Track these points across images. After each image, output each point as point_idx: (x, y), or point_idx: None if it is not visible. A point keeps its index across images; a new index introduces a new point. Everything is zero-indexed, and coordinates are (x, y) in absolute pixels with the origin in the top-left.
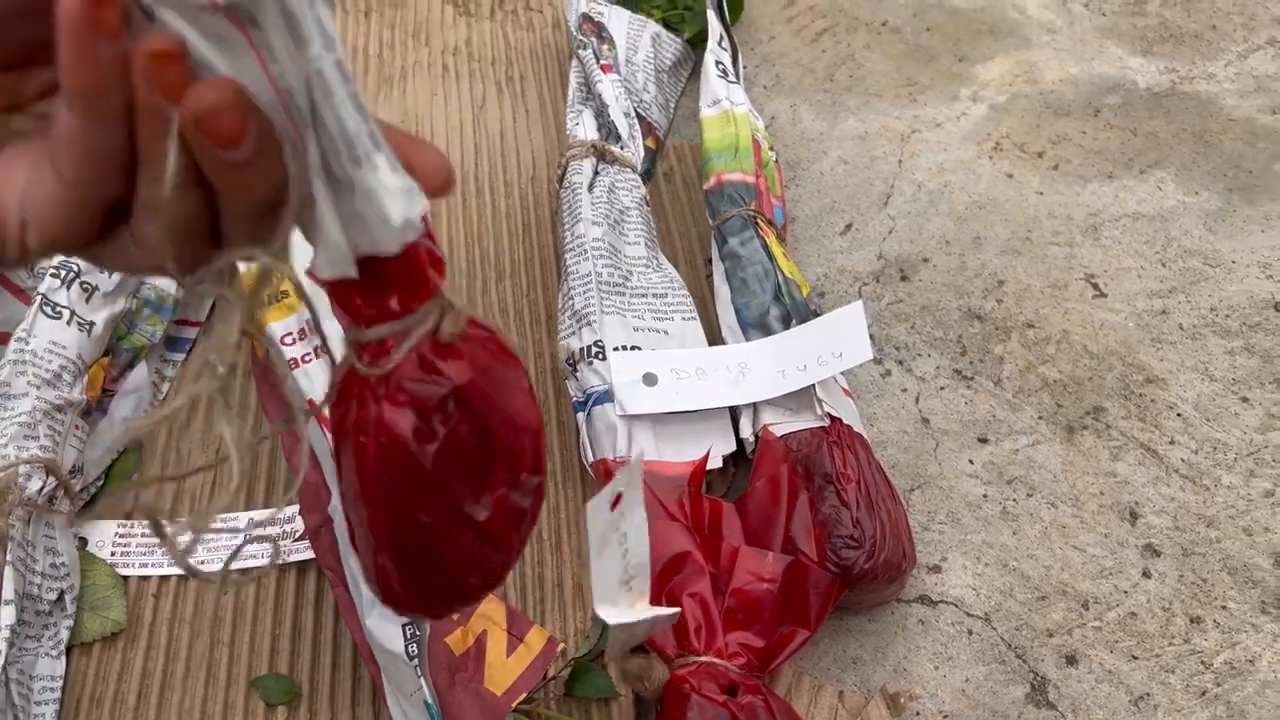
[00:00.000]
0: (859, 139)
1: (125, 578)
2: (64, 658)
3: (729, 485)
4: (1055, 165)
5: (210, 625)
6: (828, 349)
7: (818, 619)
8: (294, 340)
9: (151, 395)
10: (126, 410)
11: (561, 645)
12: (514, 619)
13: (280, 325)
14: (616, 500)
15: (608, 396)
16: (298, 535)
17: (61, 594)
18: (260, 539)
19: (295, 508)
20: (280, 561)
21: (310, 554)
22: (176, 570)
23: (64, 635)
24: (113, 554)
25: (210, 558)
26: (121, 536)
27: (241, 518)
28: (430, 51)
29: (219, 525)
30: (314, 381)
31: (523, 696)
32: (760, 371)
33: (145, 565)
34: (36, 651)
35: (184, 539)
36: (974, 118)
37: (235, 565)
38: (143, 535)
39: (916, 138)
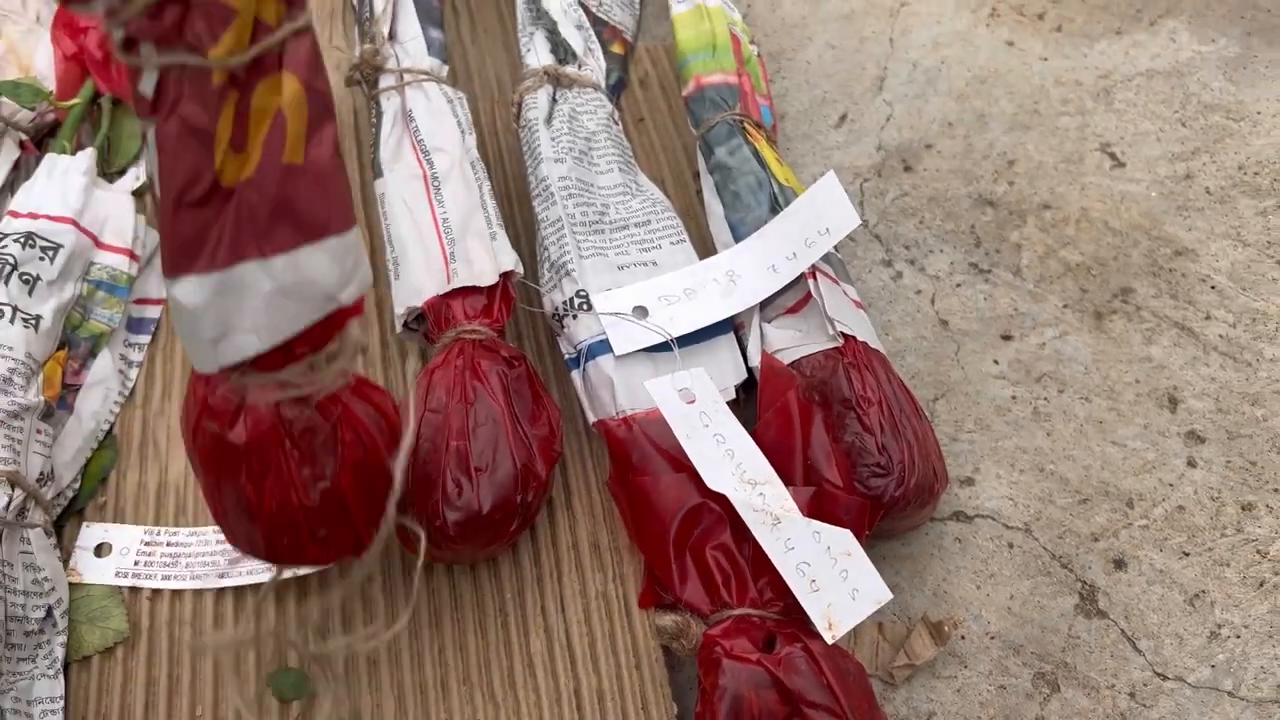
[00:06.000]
0: (845, 19)
1: (121, 588)
2: (62, 676)
3: (741, 419)
4: (1058, 26)
5: (213, 625)
6: (813, 228)
7: None
8: None
9: (120, 385)
10: (95, 404)
11: None
12: None
13: None
14: None
15: (602, 348)
16: None
17: (49, 610)
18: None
19: None
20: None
21: None
22: (199, 584)
23: (59, 653)
24: (136, 563)
25: (189, 574)
26: (147, 545)
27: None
28: None
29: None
30: None
31: None
32: (750, 273)
33: (168, 579)
34: (32, 674)
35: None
36: None
37: (229, 583)
38: (168, 544)
39: (906, 12)
